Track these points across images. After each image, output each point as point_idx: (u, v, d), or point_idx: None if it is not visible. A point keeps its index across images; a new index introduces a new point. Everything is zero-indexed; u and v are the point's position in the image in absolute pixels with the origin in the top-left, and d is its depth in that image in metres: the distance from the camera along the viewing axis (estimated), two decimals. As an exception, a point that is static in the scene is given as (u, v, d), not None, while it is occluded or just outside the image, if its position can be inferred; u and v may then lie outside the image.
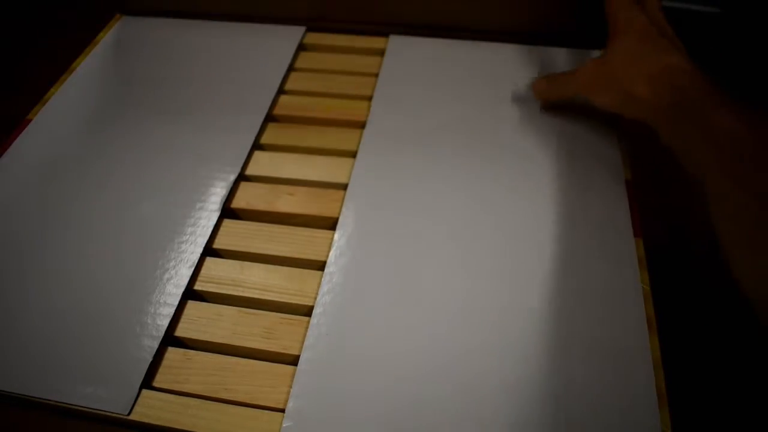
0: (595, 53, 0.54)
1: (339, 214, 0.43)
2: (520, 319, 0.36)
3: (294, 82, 0.54)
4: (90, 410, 0.33)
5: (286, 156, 0.48)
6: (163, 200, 0.44)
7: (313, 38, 0.59)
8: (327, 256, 0.40)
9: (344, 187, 0.45)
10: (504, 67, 0.54)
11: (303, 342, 0.36)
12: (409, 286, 0.38)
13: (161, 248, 0.41)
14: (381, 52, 0.57)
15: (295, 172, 0.46)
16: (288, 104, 0.52)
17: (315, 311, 0.37)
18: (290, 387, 0.34)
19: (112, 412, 0.33)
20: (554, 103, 0.49)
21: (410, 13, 0.57)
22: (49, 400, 0.34)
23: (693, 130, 0.35)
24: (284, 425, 0.32)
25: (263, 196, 0.45)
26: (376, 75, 0.54)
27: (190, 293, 0.39)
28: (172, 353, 0.36)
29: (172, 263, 0.40)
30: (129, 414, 0.33)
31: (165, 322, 0.37)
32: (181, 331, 0.37)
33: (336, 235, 0.41)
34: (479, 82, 0.53)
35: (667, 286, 0.40)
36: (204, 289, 0.39)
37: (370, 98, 0.52)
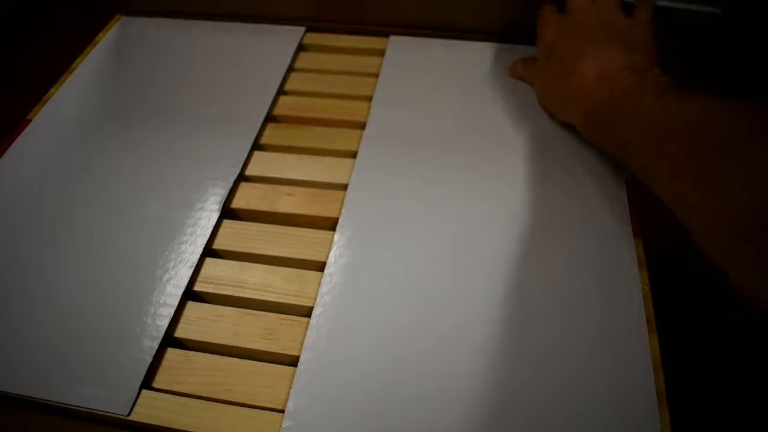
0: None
1: (339, 214, 0.43)
2: (520, 319, 0.36)
3: (294, 83, 0.54)
4: (90, 411, 0.33)
5: (285, 156, 0.48)
6: (163, 201, 0.44)
7: (313, 38, 0.59)
8: (327, 256, 0.40)
9: (344, 187, 0.45)
10: (505, 68, 0.54)
11: (303, 343, 0.36)
12: (409, 286, 0.38)
13: (161, 249, 0.41)
14: (381, 53, 0.57)
15: (295, 173, 0.46)
16: (288, 105, 0.52)
17: (315, 312, 0.37)
18: (290, 387, 0.34)
19: (112, 413, 0.33)
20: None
21: (410, 13, 0.57)
22: (49, 401, 0.34)
23: (606, 135, 0.39)
24: (284, 425, 0.32)
25: (263, 197, 0.45)
26: (376, 75, 0.54)
27: (190, 294, 0.39)
28: (172, 354, 0.36)
29: (172, 264, 0.40)
30: (129, 414, 0.33)
31: (165, 323, 0.37)
32: (180, 332, 0.37)
33: (336, 236, 0.41)
34: (480, 82, 0.53)
35: (667, 286, 0.40)
36: (204, 289, 0.39)
37: (370, 98, 0.52)
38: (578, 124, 0.42)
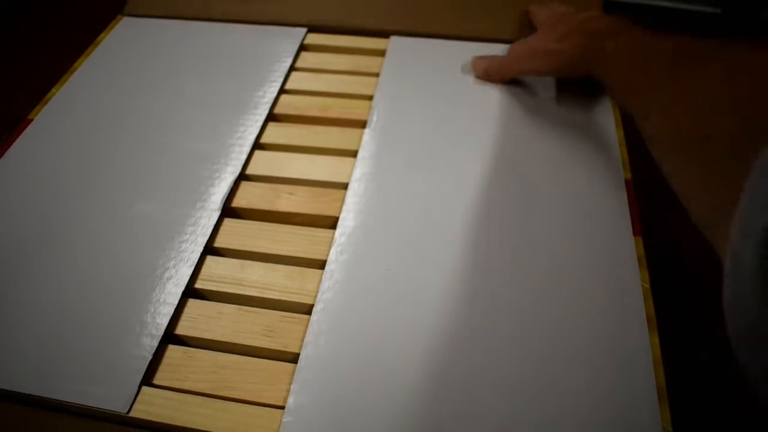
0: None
1: (339, 213, 0.43)
2: (519, 318, 0.36)
3: (295, 82, 0.54)
4: (90, 408, 0.33)
5: (286, 155, 0.48)
6: (163, 200, 0.44)
7: (315, 38, 0.59)
8: (327, 254, 0.40)
9: (345, 186, 0.45)
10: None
11: (303, 339, 0.36)
12: (409, 284, 0.38)
13: (162, 247, 0.41)
14: (382, 53, 0.57)
15: (296, 172, 0.46)
16: (289, 104, 0.52)
17: (315, 308, 0.37)
18: (290, 384, 0.34)
19: (112, 410, 0.33)
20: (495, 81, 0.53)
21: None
22: (49, 398, 0.34)
23: (596, 62, 0.43)
24: (284, 421, 0.32)
25: (264, 196, 0.45)
26: (377, 75, 0.54)
27: (191, 292, 0.39)
28: (173, 351, 0.36)
29: (173, 262, 0.40)
30: (128, 412, 0.33)
31: (165, 321, 0.37)
32: (181, 329, 0.37)
33: (336, 233, 0.41)
34: (480, 82, 0.53)
35: (667, 285, 0.41)
36: (204, 287, 0.39)
37: (371, 98, 0.52)
38: (576, 45, 0.45)
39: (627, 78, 0.40)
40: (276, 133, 0.50)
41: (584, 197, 0.43)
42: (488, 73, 0.53)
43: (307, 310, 0.38)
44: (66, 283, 0.39)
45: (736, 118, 0.29)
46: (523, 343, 0.35)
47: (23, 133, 0.49)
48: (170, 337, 0.37)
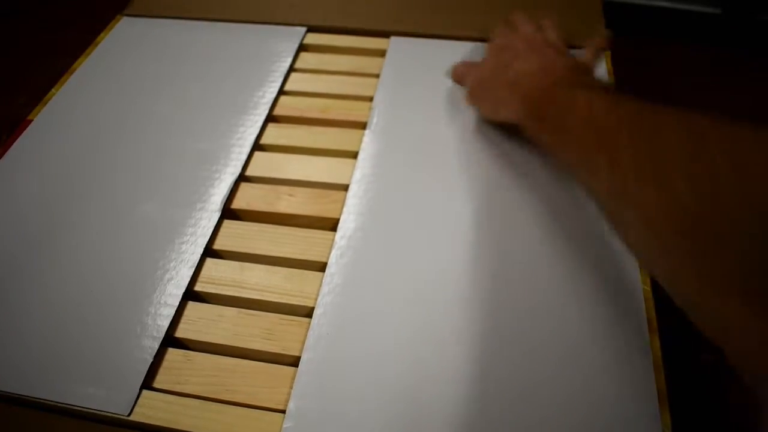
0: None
1: (340, 215, 0.43)
2: (520, 320, 0.36)
3: (295, 83, 0.54)
4: (90, 411, 0.33)
5: (286, 157, 0.48)
6: (163, 201, 0.44)
7: (314, 38, 0.59)
8: (327, 257, 0.40)
9: (345, 188, 0.45)
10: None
11: (303, 343, 0.36)
12: (411, 286, 0.38)
13: (161, 249, 0.41)
14: (382, 53, 0.57)
15: (296, 173, 0.46)
16: (288, 105, 0.52)
17: (316, 312, 0.37)
18: (291, 388, 0.34)
19: (113, 413, 0.33)
20: None
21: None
22: (50, 401, 0.34)
23: (535, 124, 0.40)
24: (285, 426, 0.32)
25: (264, 197, 0.45)
26: (377, 76, 0.54)
27: (191, 294, 0.39)
28: (173, 354, 0.36)
29: (173, 264, 0.40)
30: (129, 415, 0.33)
31: (165, 323, 0.37)
32: (181, 332, 0.37)
33: (337, 236, 0.41)
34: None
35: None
36: (204, 290, 0.39)
37: (371, 99, 0.52)
38: (516, 114, 0.42)
39: (608, 153, 0.33)
40: (276, 134, 0.50)
41: (585, 199, 0.43)
42: (462, 82, 0.51)
43: (307, 312, 0.38)
44: (65, 286, 0.39)
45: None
46: (523, 344, 0.35)
47: (23, 134, 0.49)
48: (170, 339, 0.37)
